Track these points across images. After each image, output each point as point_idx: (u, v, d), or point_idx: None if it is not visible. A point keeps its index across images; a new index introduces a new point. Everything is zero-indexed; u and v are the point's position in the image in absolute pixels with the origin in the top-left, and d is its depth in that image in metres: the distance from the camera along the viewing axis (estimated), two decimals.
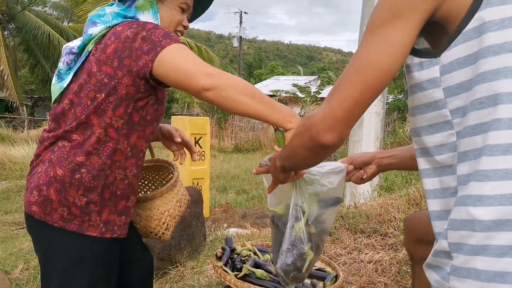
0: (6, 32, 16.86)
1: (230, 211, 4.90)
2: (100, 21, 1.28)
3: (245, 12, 33.39)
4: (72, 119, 1.22)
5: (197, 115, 20.12)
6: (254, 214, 4.44)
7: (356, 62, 0.78)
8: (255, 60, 43.49)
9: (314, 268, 1.53)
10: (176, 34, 1.36)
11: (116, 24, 1.26)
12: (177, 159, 1.56)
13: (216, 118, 17.92)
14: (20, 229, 5.03)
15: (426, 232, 1.01)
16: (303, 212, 1.24)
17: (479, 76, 0.70)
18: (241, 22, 32.73)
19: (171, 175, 1.59)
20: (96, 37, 1.26)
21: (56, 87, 1.31)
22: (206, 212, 4.93)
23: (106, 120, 1.20)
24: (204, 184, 5.05)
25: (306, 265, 1.27)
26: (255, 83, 28.89)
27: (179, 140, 1.51)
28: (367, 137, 4.34)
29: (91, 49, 1.26)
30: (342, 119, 0.77)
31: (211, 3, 1.48)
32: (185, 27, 1.37)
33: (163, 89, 1.32)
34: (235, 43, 34.40)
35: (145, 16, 1.29)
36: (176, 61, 1.15)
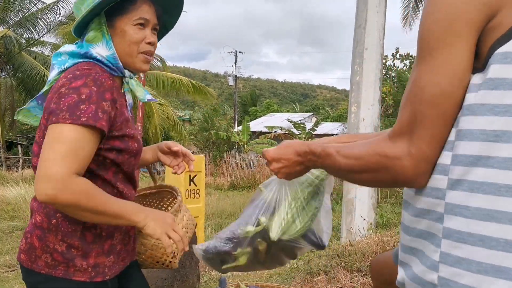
0: (3, 73, 17.08)
1: None
2: (56, 62, 1.26)
3: (240, 52, 34.18)
4: None
5: (193, 152, 20.11)
6: None
7: (427, 93, 0.74)
8: (250, 98, 44.09)
9: None
10: (144, 56, 1.28)
11: (69, 67, 1.22)
12: (175, 172, 1.51)
13: (212, 155, 17.92)
14: (11, 271, 4.90)
15: (390, 273, 1.00)
16: (259, 224, 1.24)
17: None
18: (236, 61, 33.42)
19: (175, 200, 1.53)
20: (51, 82, 1.24)
21: (34, 118, 1.33)
22: None
23: None
24: (199, 223, 4.98)
25: (229, 265, 1.29)
26: (250, 120, 29.15)
27: (176, 148, 1.47)
28: None
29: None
30: (432, 158, 0.76)
31: (181, 5, 1.40)
32: (151, 43, 1.28)
33: (129, 130, 1.25)
34: (231, 82, 34.96)
35: (99, 49, 1.23)
36: (46, 145, 1.09)
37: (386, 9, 4.65)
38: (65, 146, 1.07)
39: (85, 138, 1.09)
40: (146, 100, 1.36)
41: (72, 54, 1.24)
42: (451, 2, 0.73)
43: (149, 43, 1.27)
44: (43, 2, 16.36)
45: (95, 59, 1.23)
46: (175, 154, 1.49)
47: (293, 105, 45.46)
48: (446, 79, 0.73)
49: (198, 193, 5.01)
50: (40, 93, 1.29)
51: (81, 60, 1.23)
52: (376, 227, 4.23)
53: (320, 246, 1.30)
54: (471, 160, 0.70)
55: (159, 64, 20.07)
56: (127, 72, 1.29)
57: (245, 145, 19.53)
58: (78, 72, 1.17)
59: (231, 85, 36.24)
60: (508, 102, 0.68)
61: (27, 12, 17.11)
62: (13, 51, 15.48)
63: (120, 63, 1.25)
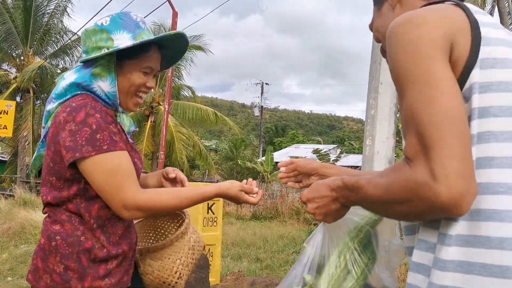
0: (39, 102, 17.94)
1: (241, 279, 4.87)
2: (55, 95, 1.33)
3: (266, 83, 34.75)
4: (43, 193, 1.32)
5: (217, 181, 20.31)
6: (262, 282, 4.41)
7: (430, 113, 0.74)
8: (275, 129, 44.41)
9: None
10: (139, 95, 1.37)
11: (68, 99, 1.29)
12: None
13: None
14: None
15: None
16: (305, 284, 1.06)
17: None
18: (262, 92, 33.95)
19: (184, 222, 1.56)
20: (52, 114, 1.32)
21: (37, 154, 1.41)
22: (216, 279, 4.91)
23: (64, 197, 1.27)
24: (216, 251, 5.07)
25: None
26: (275, 150, 29.28)
27: (173, 175, 1.53)
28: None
29: (50, 126, 1.31)
30: (465, 173, 0.72)
31: (185, 47, 1.47)
32: (149, 88, 1.37)
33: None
34: (256, 112, 35.43)
35: (102, 83, 1.30)
36: (94, 183, 1.22)
37: None
38: (112, 174, 1.21)
39: (114, 159, 1.23)
40: (130, 132, 1.43)
41: (71, 87, 1.31)
42: (412, 36, 0.79)
43: (147, 87, 1.37)
44: (78, 34, 17.26)
45: (94, 93, 1.31)
46: (173, 180, 1.56)
47: (318, 138, 45.51)
48: (445, 96, 0.74)
49: (215, 221, 5.12)
50: (46, 130, 1.35)
51: (79, 92, 1.30)
52: None
53: None
54: None
55: (188, 94, 20.67)
56: (120, 108, 1.39)
57: (268, 176, 19.59)
58: (74, 104, 1.25)
59: (257, 116, 36.67)
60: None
61: (63, 44, 18.06)
62: (48, 81, 16.30)
63: (118, 100, 1.35)
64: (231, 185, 1.36)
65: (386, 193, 0.78)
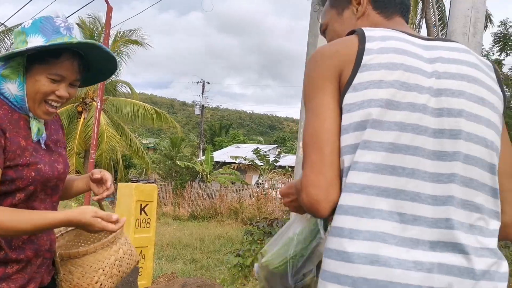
0: None
1: (173, 281, 4.84)
2: None
3: (207, 82, 34.58)
4: None
5: (155, 181, 19.90)
6: (194, 283, 4.41)
7: (305, 134, 0.92)
8: (218, 128, 44.32)
9: None
10: (49, 103, 1.32)
11: None
12: (97, 199, 1.51)
13: (173, 185, 17.79)
14: None
15: None
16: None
17: None
18: (203, 91, 33.74)
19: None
20: None
21: None
22: (148, 281, 4.84)
23: None
24: (148, 253, 4.99)
25: None
26: (216, 150, 29.24)
27: (97, 176, 1.48)
28: None
29: None
30: (322, 185, 0.88)
31: (113, 63, 1.44)
32: (60, 97, 1.32)
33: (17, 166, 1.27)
34: (197, 111, 35.15)
35: (11, 85, 1.28)
36: None
37: None
38: None
39: None
40: (34, 140, 1.35)
41: None
42: (312, 68, 0.96)
43: (58, 96, 1.32)
44: (6, 25, 16.17)
45: (2, 94, 1.29)
46: (99, 181, 1.51)
47: (259, 137, 45.97)
48: (317, 120, 0.91)
49: (148, 223, 5.03)
50: None
51: None
52: None
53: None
54: None
55: (126, 90, 20.07)
56: (31, 113, 1.34)
57: (208, 175, 19.53)
58: None
59: (197, 114, 36.40)
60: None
61: None
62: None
63: (27, 104, 1.30)
64: (84, 211, 1.28)
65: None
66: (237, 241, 8.63)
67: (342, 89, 0.91)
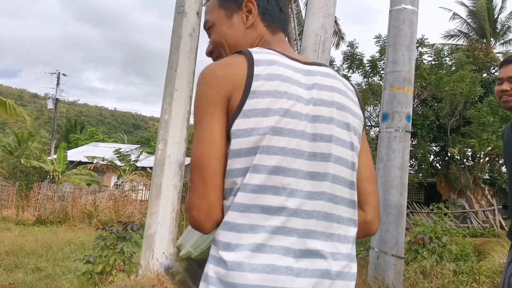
0: None
1: None
2: None
3: (63, 74, 31.71)
4: None
5: None
6: None
7: (193, 159, 0.96)
8: (75, 124, 40.86)
9: None
10: None
11: None
12: None
13: (17, 186, 15.91)
14: None
15: None
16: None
17: None
18: (58, 83, 30.85)
19: None
20: None
21: None
22: None
23: None
24: None
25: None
26: (70, 148, 26.96)
27: None
28: (163, 209, 4.50)
29: None
30: (210, 210, 0.95)
31: None
32: None
33: None
34: (50, 105, 31.94)
35: None
36: None
37: (196, 56, 5.05)
38: None
39: None
40: None
41: None
42: (201, 90, 0.97)
43: None
44: None
45: None
46: None
47: (122, 136, 43.80)
48: (201, 146, 0.95)
49: None
50: None
51: None
52: None
53: None
54: None
55: None
56: None
57: (59, 176, 17.94)
58: None
59: (50, 109, 33.07)
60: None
61: None
62: None
63: None
64: None
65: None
66: (89, 247, 8.10)
67: (232, 113, 0.95)
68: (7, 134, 31.45)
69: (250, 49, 1.02)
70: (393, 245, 3.94)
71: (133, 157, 21.16)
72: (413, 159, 19.04)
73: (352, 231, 1.04)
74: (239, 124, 0.94)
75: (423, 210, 17.22)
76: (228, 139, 0.96)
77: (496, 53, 21.45)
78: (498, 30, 23.55)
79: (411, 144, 18.76)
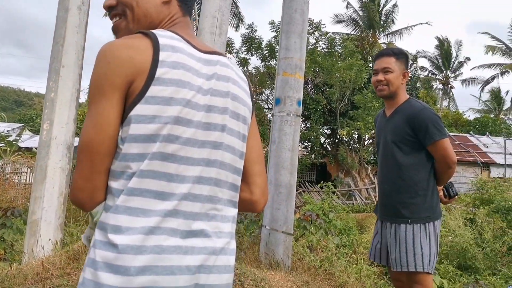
0: None
1: None
2: None
3: None
4: None
5: None
6: None
7: (81, 140, 0.95)
8: None
9: None
10: None
11: None
12: None
13: None
14: None
15: None
16: None
17: None
18: None
19: None
20: None
21: None
22: None
23: None
24: None
25: None
26: None
27: None
28: (50, 193, 4.22)
29: None
30: (87, 189, 0.96)
31: None
32: None
33: None
34: None
35: None
36: None
37: (86, 31, 4.74)
38: None
39: None
40: None
41: None
42: (101, 69, 0.95)
43: None
44: None
45: None
46: None
47: (2, 114, 39.48)
48: (93, 130, 0.94)
49: None
50: None
51: None
52: (62, 246, 4.16)
53: None
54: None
55: None
56: None
57: None
58: None
59: None
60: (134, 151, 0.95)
61: None
62: None
63: None
64: None
65: None
66: None
67: (133, 98, 0.94)
68: None
69: (154, 32, 1.00)
70: (283, 223, 4.19)
71: (14, 137, 19.28)
72: (307, 141, 20.20)
73: (233, 211, 1.12)
74: (140, 109, 0.94)
75: (314, 188, 18.42)
76: (121, 123, 0.96)
77: (381, 43, 23.49)
78: (383, 22, 25.73)
79: (304, 127, 19.91)
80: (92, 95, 0.95)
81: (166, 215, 0.96)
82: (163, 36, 1.00)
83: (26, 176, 15.89)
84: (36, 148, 16.53)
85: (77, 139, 4.81)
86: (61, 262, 2.70)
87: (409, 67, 2.82)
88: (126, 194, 0.94)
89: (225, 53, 1.23)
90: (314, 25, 19.32)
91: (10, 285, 2.44)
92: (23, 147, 19.82)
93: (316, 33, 19.62)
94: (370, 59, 20.15)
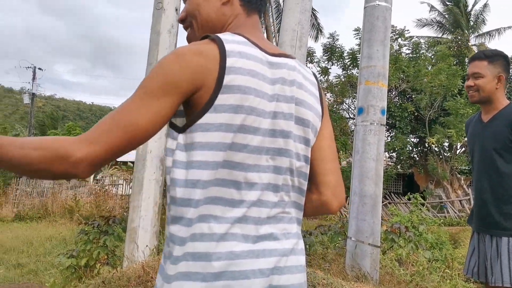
0: None
1: None
2: None
3: (39, 68, 31.05)
4: None
5: None
6: None
7: (122, 117, 0.89)
8: (50, 120, 40.09)
9: None
10: None
11: None
12: None
13: None
14: None
15: None
16: None
17: None
18: (34, 77, 30.21)
19: None
20: None
21: None
22: None
23: None
24: None
25: None
26: None
27: None
28: (146, 203, 4.56)
29: None
30: (100, 164, 0.88)
31: None
32: None
33: None
34: (26, 100, 31.29)
35: None
36: None
37: None
38: None
39: None
40: None
41: None
42: (170, 70, 0.93)
43: None
44: None
45: None
46: None
47: None
48: (143, 117, 0.90)
49: None
50: None
51: None
52: (158, 253, 4.46)
53: None
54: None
55: None
56: None
57: None
58: None
59: (27, 103, 32.40)
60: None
61: None
62: None
63: None
64: None
65: (34, 152, 0.87)
66: (71, 242, 8.09)
67: (201, 106, 0.94)
68: None
69: (220, 36, 1.00)
70: (369, 234, 4.10)
71: None
72: (392, 151, 19.41)
73: (298, 213, 1.13)
74: (209, 118, 0.94)
75: (401, 200, 17.62)
76: (183, 130, 0.95)
77: (471, 45, 21.99)
78: (472, 23, 24.09)
79: (389, 135, 19.18)
80: (155, 87, 0.93)
81: (236, 221, 0.97)
82: (230, 41, 0.99)
83: (122, 188, 17.06)
84: (130, 162, 17.69)
85: None
86: (157, 266, 2.91)
87: (509, 69, 2.64)
88: (196, 203, 0.95)
89: (306, 64, 1.17)
90: (397, 32, 18.66)
91: (116, 287, 2.69)
92: (119, 161, 21.46)
93: (399, 39, 18.92)
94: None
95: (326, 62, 19.81)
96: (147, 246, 4.45)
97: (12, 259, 7.19)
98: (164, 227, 5.56)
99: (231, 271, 0.94)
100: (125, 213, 9.48)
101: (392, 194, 18.65)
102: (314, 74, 1.20)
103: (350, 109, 20.07)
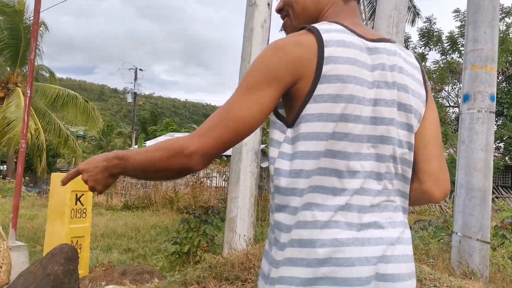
0: None
1: (111, 270, 4.84)
2: None
3: (140, 69, 33.55)
4: None
5: None
6: (134, 271, 4.45)
7: (228, 111, 0.94)
8: (150, 117, 43.18)
9: None
10: None
11: None
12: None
13: None
14: None
15: None
16: None
17: None
18: (136, 78, 32.72)
19: None
20: None
21: None
22: (85, 271, 4.79)
23: None
24: (84, 243, 4.94)
25: None
26: (149, 139, 28.59)
27: None
28: (242, 194, 4.73)
29: None
30: (211, 155, 0.94)
31: None
32: None
33: None
34: (129, 99, 34.04)
35: None
36: None
37: None
38: None
39: None
40: None
41: None
42: (272, 63, 0.96)
43: None
44: None
45: None
46: None
47: (192, 127, 45.52)
48: (249, 110, 0.94)
49: (84, 213, 4.97)
50: None
51: None
52: (255, 242, 4.61)
53: None
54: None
55: (46, 75, 18.95)
56: None
57: None
58: None
59: (130, 102, 35.24)
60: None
61: None
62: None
63: None
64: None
65: (152, 153, 0.97)
66: (172, 230, 8.66)
67: (303, 97, 0.96)
68: (91, 127, 33.95)
69: (317, 26, 1.00)
70: (477, 230, 3.83)
71: None
72: (499, 141, 17.82)
73: (403, 202, 1.09)
74: (310, 108, 0.95)
75: (510, 194, 16.11)
76: (292, 124, 0.98)
77: None
78: None
79: (496, 124, 17.59)
80: (256, 80, 0.95)
81: (339, 209, 0.97)
82: (327, 30, 0.99)
83: (216, 180, 17.78)
84: (226, 156, 18.39)
85: (262, 146, 5.24)
86: (260, 254, 3.01)
87: None
88: (300, 192, 0.97)
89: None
90: (504, 10, 16.98)
91: (221, 271, 2.84)
92: None
93: (506, 18, 17.21)
94: None
95: (422, 47, 18.68)
96: (244, 235, 4.62)
97: (123, 244, 7.90)
98: (259, 219, 5.72)
99: (336, 257, 0.95)
100: (219, 205, 9.90)
101: (499, 187, 17.14)
102: (416, 58, 1.16)
103: (450, 97, 18.77)
